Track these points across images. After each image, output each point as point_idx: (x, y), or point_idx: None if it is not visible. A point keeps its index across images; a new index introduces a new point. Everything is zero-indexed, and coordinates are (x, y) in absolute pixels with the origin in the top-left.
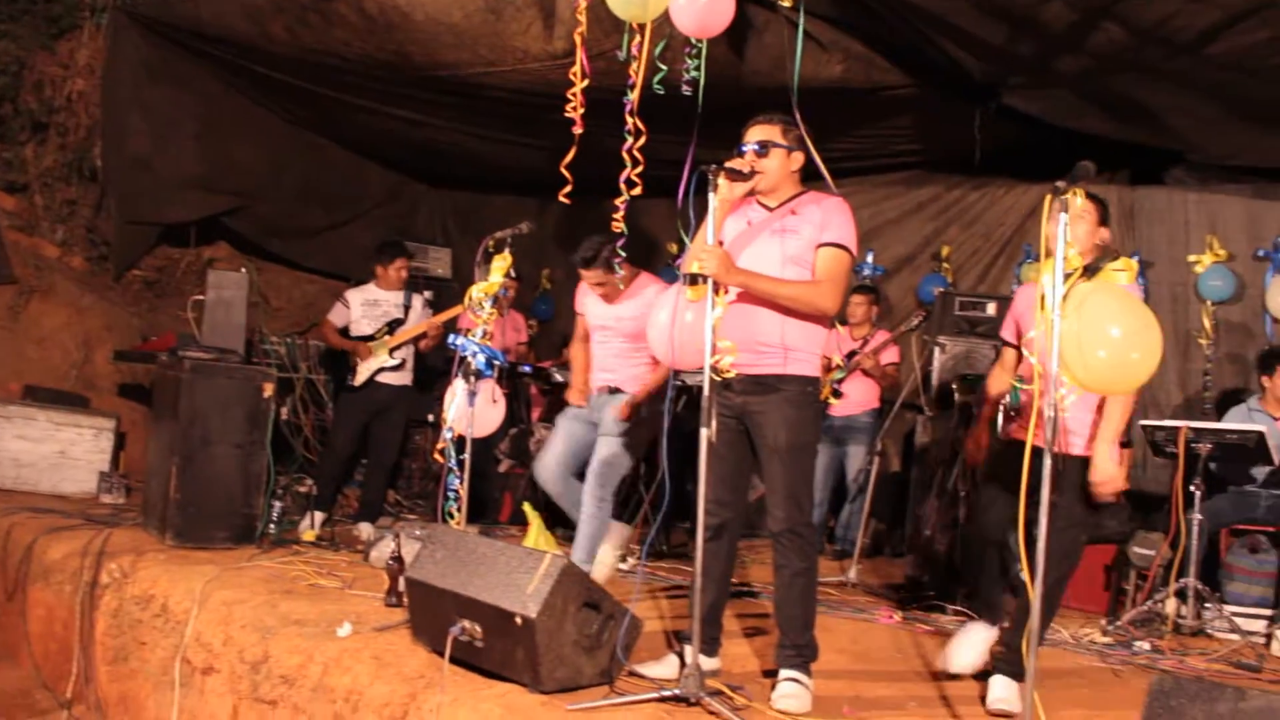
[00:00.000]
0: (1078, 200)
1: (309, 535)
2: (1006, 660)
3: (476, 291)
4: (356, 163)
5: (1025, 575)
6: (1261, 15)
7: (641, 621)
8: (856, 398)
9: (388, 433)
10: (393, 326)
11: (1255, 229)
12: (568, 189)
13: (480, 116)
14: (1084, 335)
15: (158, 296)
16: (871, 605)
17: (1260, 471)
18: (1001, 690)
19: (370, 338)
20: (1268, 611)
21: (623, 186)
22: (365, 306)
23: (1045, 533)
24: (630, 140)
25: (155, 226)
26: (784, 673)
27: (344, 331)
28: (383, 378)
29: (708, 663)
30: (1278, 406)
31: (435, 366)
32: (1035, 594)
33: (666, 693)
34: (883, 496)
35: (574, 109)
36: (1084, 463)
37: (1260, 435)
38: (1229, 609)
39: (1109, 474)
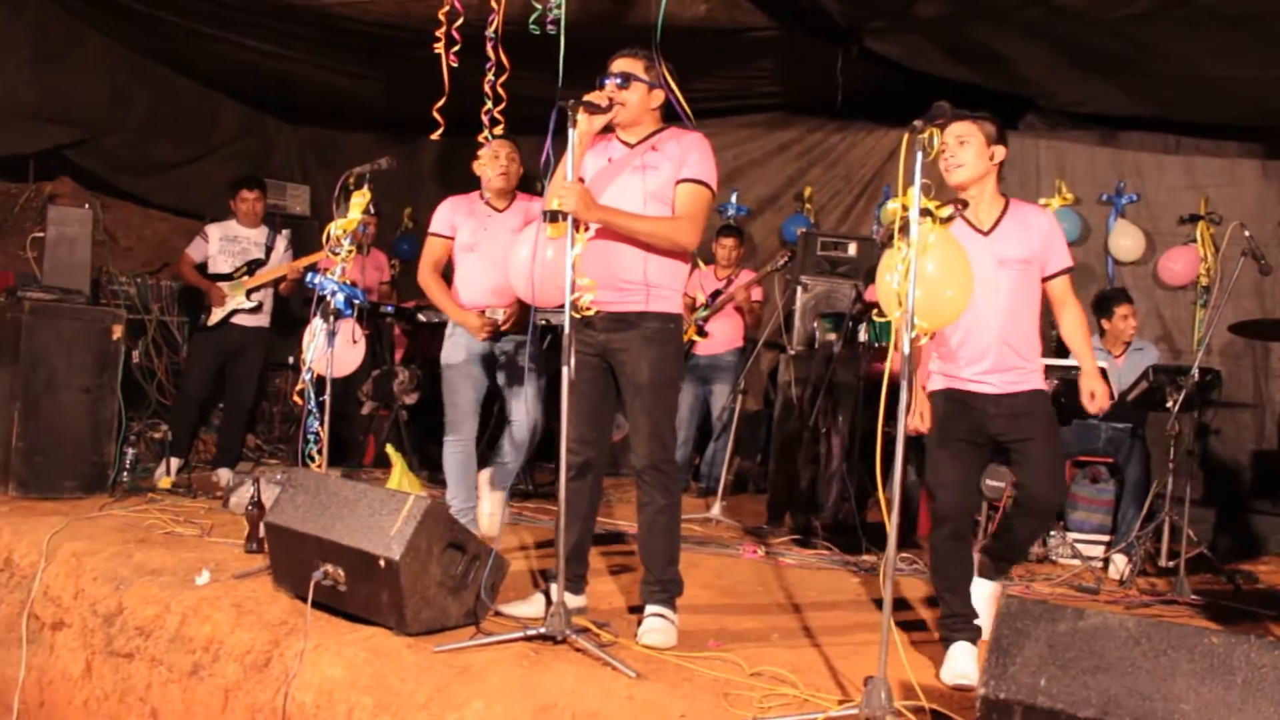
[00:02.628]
0: (934, 140)
1: (165, 482)
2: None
3: (335, 229)
4: (209, 96)
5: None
6: None
7: (507, 561)
8: (721, 337)
9: (243, 375)
10: (252, 267)
11: (1100, 174)
12: (439, 131)
13: (338, 50)
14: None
15: None
16: (735, 540)
17: None
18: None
19: (229, 276)
20: (1106, 538)
21: (484, 121)
22: (224, 242)
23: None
24: (491, 75)
25: None
26: (649, 608)
27: (202, 268)
28: (237, 319)
29: (574, 600)
30: (1116, 345)
31: (296, 311)
32: (891, 527)
33: (532, 631)
34: (746, 434)
35: (442, 45)
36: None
37: (1102, 371)
38: (1071, 536)
39: (1102, 387)
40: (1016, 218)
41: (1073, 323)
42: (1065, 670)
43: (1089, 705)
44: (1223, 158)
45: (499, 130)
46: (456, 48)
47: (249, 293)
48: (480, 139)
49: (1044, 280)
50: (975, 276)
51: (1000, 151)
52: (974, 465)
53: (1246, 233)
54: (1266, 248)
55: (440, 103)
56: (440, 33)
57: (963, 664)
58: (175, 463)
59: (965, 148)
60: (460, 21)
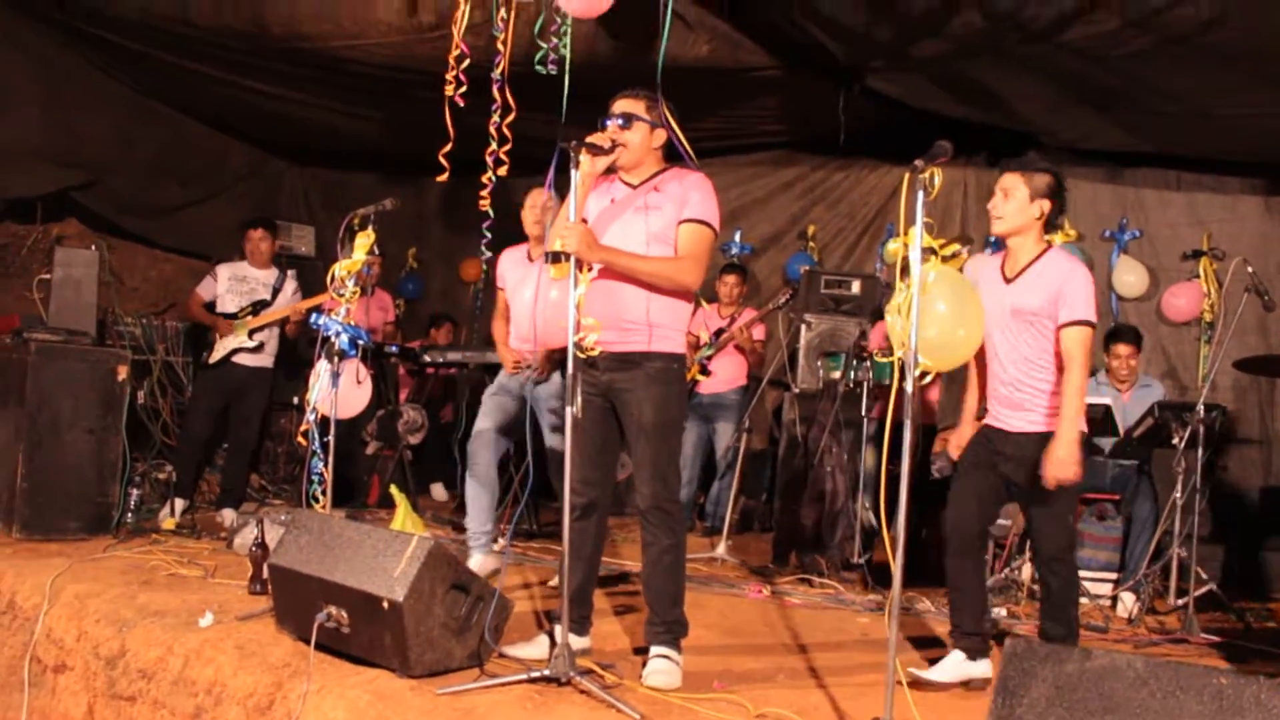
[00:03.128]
0: (935, 179)
1: (169, 523)
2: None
3: (339, 270)
4: (215, 137)
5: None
6: (1109, 6)
7: (511, 602)
8: (724, 375)
9: (246, 415)
10: (257, 307)
11: (1103, 211)
12: (445, 175)
13: (343, 91)
14: (919, 313)
15: (1, 276)
16: (741, 580)
17: (1106, 442)
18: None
19: (234, 316)
20: (1113, 575)
21: (488, 162)
22: (232, 282)
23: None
24: (497, 117)
25: None
26: (654, 649)
27: (210, 307)
28: (239, 358)
29: (578, 642)
30: (1121, 382)
31: (303, 352)
32: (895, 564)
33: (536, 673)
34: (751, 473)
35: (452, 86)
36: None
37: (1107, 408)
38: (1079, 574)
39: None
40: (1041, 266)
41: (1070, 383)
42: (1072, 712)
43: None
44: (1225, 194)
45: (502, 171)
46: (463, 89)
47: (251, 333)
48: (485, 179)
49: (1056, 330)
50: (994, 322)
51: (1047, 205)
52: (988, 490)
53: (1250, 268)
54: (1270, 283)
55: (446, 148)
56: (450, 75)
57: (943, 668)
58: (180, 504)
59: (1008, 201)
60: (467, 63)
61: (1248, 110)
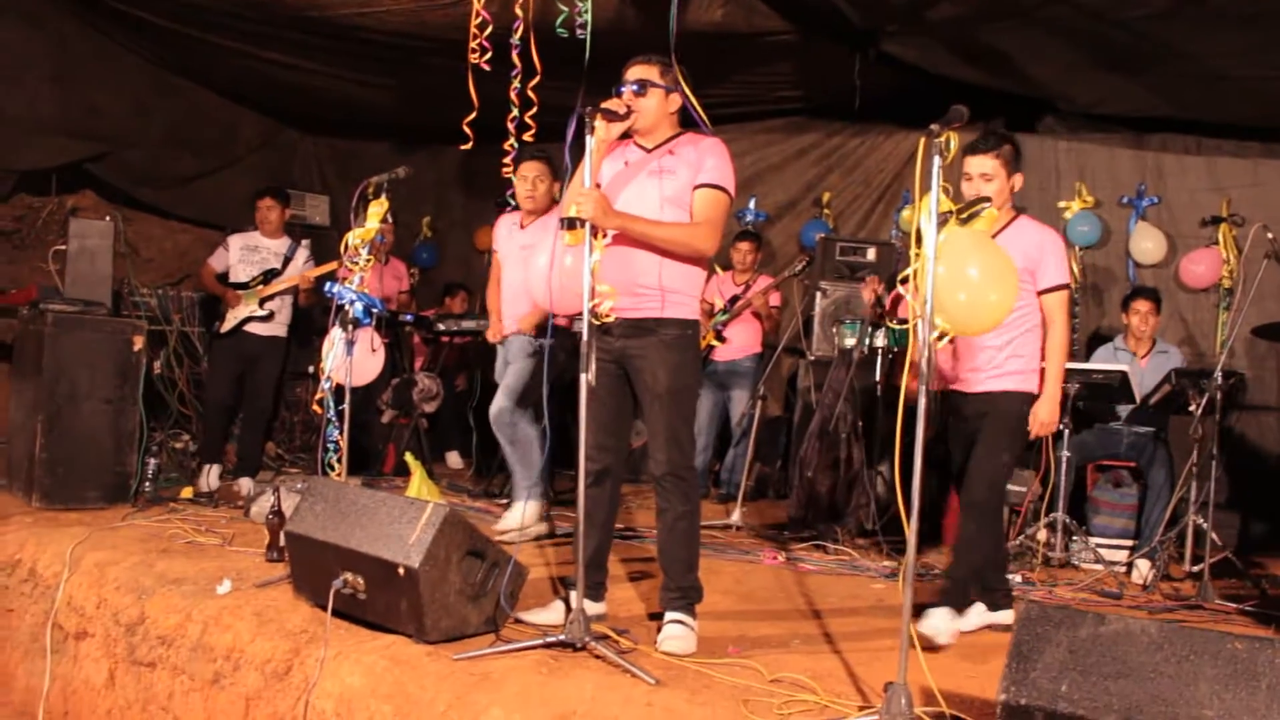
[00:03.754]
0: (951, 143)
1: (187, 492)
2: (946, 592)
3: (353, 238)
4: (228, 108)
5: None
6: None
7: (526, 568)
8: (739, 342)
9: (260, 384)
10: (268, 276)
11: (1120, 176)
12: (469, 144)
13: (356, 60)
14: (947, 277)
15: (16, 248)
16: (756, 547)
17: (1123, 409)
18: (939, 620)
19: (245, 285)
20: (1129, 542)
21: (510, 128)
22: (244, 251)
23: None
24: (518, 82)
25: (10, 174)
26: (669, 615)
27: (224, 278)
28: (251, 327)
29: (593, 607)
30: (1139, 345)
31: (318, 321)
32: (910, 530)
33: (552, 639)
34: (766, 440)
35: (476, 54)
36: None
37: (1124, 375)
38: (1094, 541)
39: (1046, 416)
40: (1016, 231)
41: (1052, 342)
42: (1087, 676)
43: (1111, 711)
44: (1245, 159)
45: (528, 136)
46: (488, 56)
47: (261, 301)
48: (506, 146)
49: (1037, 294)
50: None
51: (1019, 180)
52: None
53: (1269, 234)
54: None
55: (471, 116)
56: (474, 44)
57: (967, 619)
58: (215, 469)
59: (991, 184)
60: (489, 30)
61: (1268, 72)
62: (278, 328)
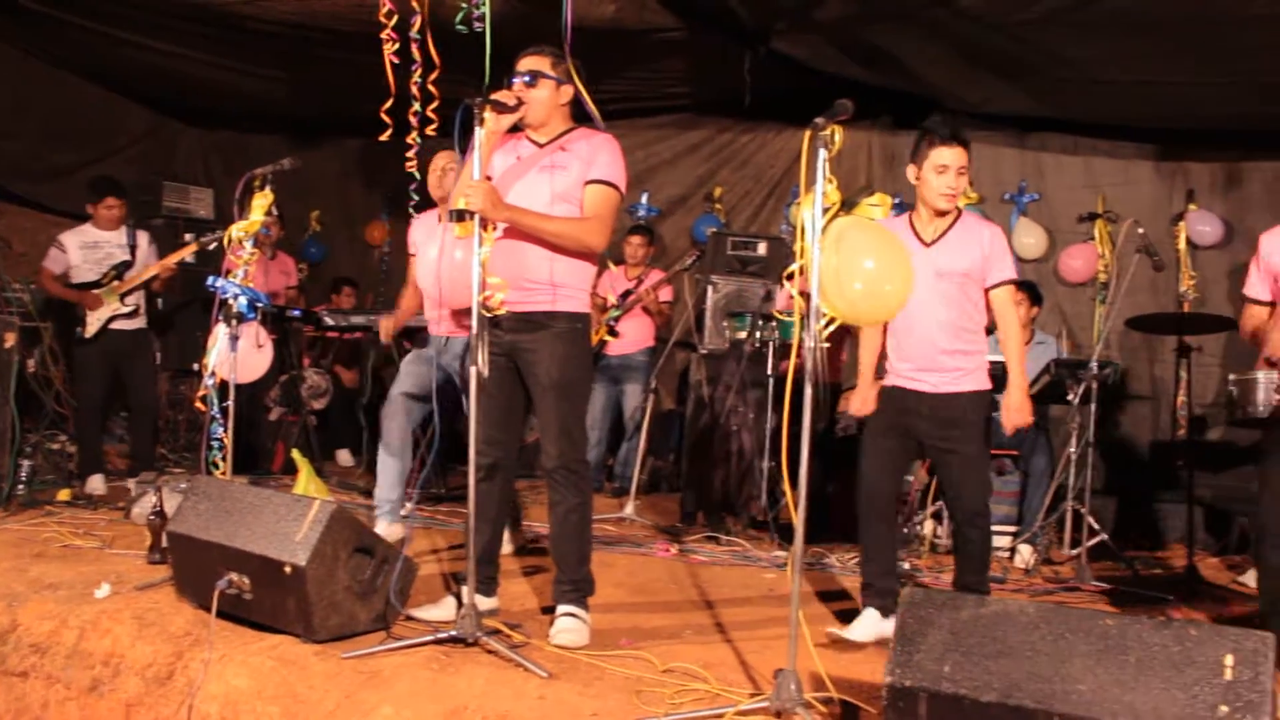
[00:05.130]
0: (836, 136)
1: (64, 494)
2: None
3: (236, 231)
4: (110, 99)
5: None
6: None
7: (417, 565)
8: (632, 336)
9: (139, 380)
10: (120, 270)
11: (1003, 174)
12: (386, 135)
13: (243, 50)
14: (842, 268)
15: None
16: (649, 539)
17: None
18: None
19: (97, 284)
20: (1012, 528)
21: (412, 121)
22: (85, 250)
23: (806, 456)
24: (418, 76)
25: None
26: (561, 608)
27: (64, 278)
28: (118, 324)
29: (485, 602)
30: None
31: (167, 309)
32: (792, 515)
33: (443, 634)
34: (659, 433)
35: (389, 45)
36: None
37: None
38: None
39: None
40: (962, 229)
41: (1006, 336)
42: (968, 656)
43: (991, 689)
44: (1119, 158)
45: (431, 130)
46: (395, 47)
47: (122, 297)
48: (409, 140)
49: (986, 290)
50: (915, 284)
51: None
52: (900, 453)
53: (1141, 230)
54: (1160, 244)
55: (387, 104)
56: (385, 34)
57: (861, 627)
58: (99, 477)
59: (963, 178)
60: (396, 20)
61: (1136, 78)
62: (141, 321)
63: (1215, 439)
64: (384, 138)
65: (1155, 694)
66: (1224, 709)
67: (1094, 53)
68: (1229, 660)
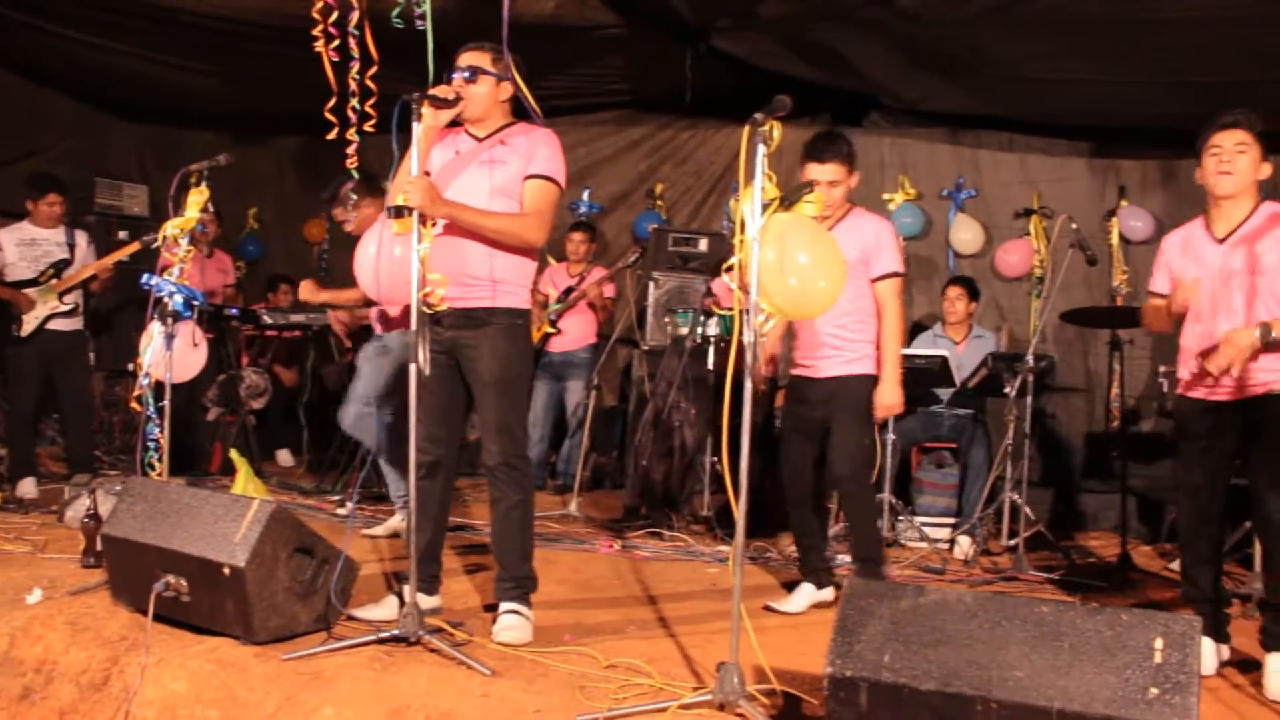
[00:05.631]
0: (774, 132)
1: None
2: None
3: (171, 228)
4: (36, 92)
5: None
6: None
7: (358, 564)
8: (574, 333)
9: (75, 381)
10: (59, 268)
11: (941, 170)
12: (334, 131)
13: (175, 44)
14: (777, 263)
15: None
16: (592, 536)
17: (944, 393)
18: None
19: (34, 282)
20: (951, 520)
21: (351, 117)
22: (21, 247)
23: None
24: (356, 72)
25: None
26: (504, 605)
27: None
28: (55, 324)
29: (427, 601)
30: (955, 331)
31: (105, 309)
32: (739, 507)
33: (385, 634)
34: (601, 430)
35: (322, 41)
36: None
37: (944, 360)
38: (919, 519)
39: (896, 397)
40: (850, 222)
41: (886, 328)
42: (908, 645)
43: (930, 678)
44: (1053, 155)
45: (369, 125)
46: (335, 44)
47: (61, 295)
48: (349, 135)
49: (871, 282)
50: None
51: (856, 178)
52: (810, 443)
53: (1074, 225)
54: (1093, 240)
55: (331, 103)
56: (318, 30)
57: (795, 599)
58: (30, 482)
59: (837, 189)
60: (335, 16)
61: (1067, 76)
62: (78, 321)
63: (1147, 430)
64: (330, 136)
65: (1089, 678)
66: (1154, 691)
67: (1026, 51)
68: (1159, 644)
